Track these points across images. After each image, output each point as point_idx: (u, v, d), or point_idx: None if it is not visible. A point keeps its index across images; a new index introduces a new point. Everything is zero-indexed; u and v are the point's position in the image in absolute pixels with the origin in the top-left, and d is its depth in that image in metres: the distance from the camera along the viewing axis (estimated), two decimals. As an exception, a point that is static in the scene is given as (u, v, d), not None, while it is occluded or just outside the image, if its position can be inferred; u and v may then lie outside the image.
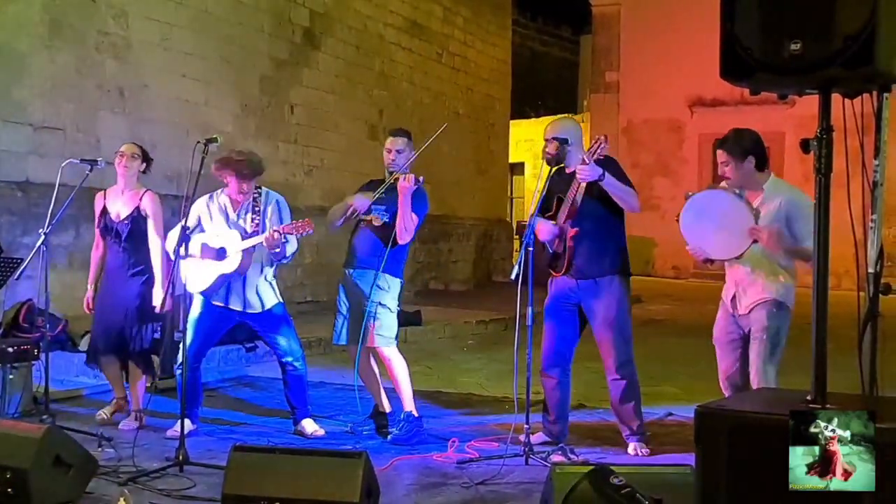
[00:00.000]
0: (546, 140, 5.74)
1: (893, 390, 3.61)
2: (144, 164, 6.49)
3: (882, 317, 3.58)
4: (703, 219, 5.24)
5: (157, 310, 6.29)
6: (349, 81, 14.35)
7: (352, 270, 6.22)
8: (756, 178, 5.19)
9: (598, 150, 5.54)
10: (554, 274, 5.84)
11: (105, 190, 6.56)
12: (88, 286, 6.58)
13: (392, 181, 6.08)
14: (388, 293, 6.12)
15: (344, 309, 6.27)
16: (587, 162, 5.48)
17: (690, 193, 5.37)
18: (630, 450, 5.76)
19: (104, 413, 6.51)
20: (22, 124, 9.28)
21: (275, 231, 5.89)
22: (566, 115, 17.48)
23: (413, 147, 6.26)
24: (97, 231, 6.54)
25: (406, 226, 6.00)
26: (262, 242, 5.96)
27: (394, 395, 6.32)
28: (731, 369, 5.31)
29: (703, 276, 17.58)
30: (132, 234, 6.34)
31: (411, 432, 6.01)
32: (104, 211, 6.45)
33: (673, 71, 20.06)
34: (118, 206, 6.41)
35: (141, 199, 6.37)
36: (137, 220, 6.35)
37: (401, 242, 6.06)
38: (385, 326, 6.09)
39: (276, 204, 6.22)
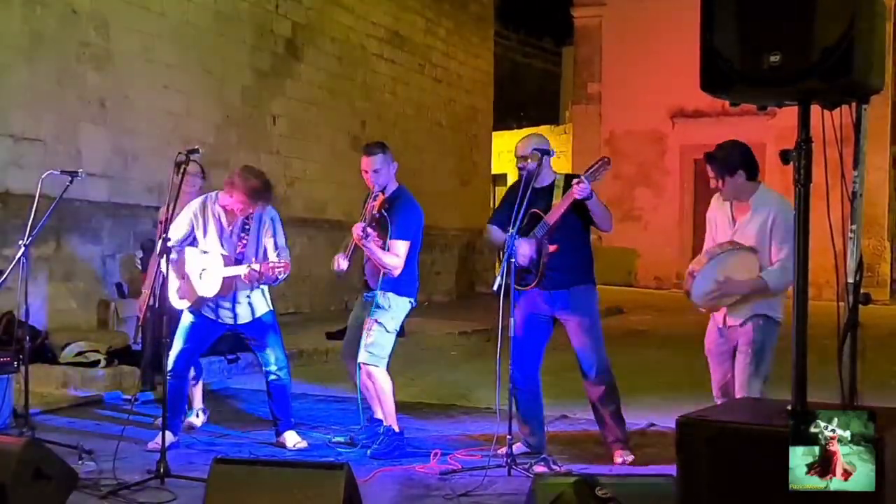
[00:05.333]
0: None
1: (873, 400, 3.63)
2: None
3: (862, 327, 3.59)
4: (715, 265, 5.22)
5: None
6: (331, 92, 14.34)
7: (365, 293, 6.22)
8: (747, 188, 5.24)
9: (599, 170, 5.57)
10: (524, 288, 5.82)
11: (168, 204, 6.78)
12: (145, 291, 6.83)
13: (377, 205, 6.00)
14: (388, 312, 6.02)
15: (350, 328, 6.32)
16: (584, 180, 5.54)
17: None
18: (616, 458, 5.79)
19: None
20: (2, 135, 9.23)
21: (252, 269, 5.87)
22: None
23: (391, 158, 6.11)
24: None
25: (383, 263, 5.92)
26: (240, 275, 5.95)
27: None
28: (723, 380, 5.33)
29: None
30: None
31: (391, 446, 5.98)
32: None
33: (654, 82, 20.14)
34: None
35: None
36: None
37: (394, 275, 5.97)
38: (376, 345, 5.99)
39: (270, 222, 6.18)
